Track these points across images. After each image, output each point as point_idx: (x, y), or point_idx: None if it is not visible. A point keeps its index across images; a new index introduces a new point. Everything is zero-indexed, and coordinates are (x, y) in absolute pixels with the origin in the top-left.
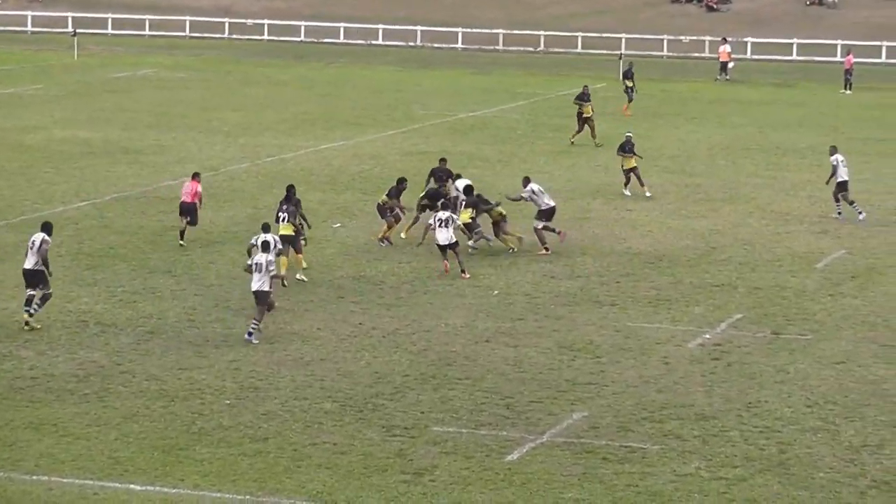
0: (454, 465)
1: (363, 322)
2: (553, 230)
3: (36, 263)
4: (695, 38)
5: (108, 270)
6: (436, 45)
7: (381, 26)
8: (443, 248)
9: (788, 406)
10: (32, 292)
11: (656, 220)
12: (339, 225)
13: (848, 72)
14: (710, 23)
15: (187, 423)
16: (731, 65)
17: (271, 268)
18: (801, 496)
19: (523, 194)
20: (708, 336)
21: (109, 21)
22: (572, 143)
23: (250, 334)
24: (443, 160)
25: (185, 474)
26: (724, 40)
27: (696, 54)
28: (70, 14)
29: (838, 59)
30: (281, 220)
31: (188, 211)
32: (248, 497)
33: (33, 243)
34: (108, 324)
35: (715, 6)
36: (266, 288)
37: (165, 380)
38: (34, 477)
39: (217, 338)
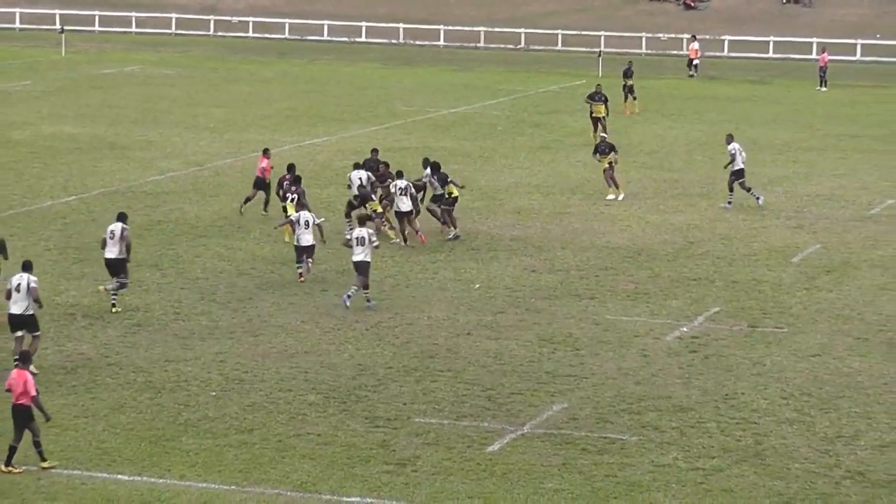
0: (436, 456)
1: (347, 315)
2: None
3: (119, 252)
4: (673, 35)
5: (95, 264)
6: (418, 43)
7: (363, 24)
8: (402, 216)
9: (764, 398)
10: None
11: (635, 214)
12: (323, 220)
13: (823, 69)
14: (688, 21)
15: (174, 414)
16: (696, 61)
17: (374, 240)
18: (777, 486)
19: (423, 178)
20: (685, 329)
21: (96, 18)
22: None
23: (368, 300)
24: (374, 150)
25: (172, 465)
26: (694, 38)
27: (675, 52)
28: (58, 11)
29: (814, 56)
30: (290, 200)
31: (261, 185)
32: (233, 487)
33: (112, 233)
34: (95, 316)
35: (693, 4)
36: (369, 259)
37: (152, 372)
38: (23, 467)
39: (203, 330)
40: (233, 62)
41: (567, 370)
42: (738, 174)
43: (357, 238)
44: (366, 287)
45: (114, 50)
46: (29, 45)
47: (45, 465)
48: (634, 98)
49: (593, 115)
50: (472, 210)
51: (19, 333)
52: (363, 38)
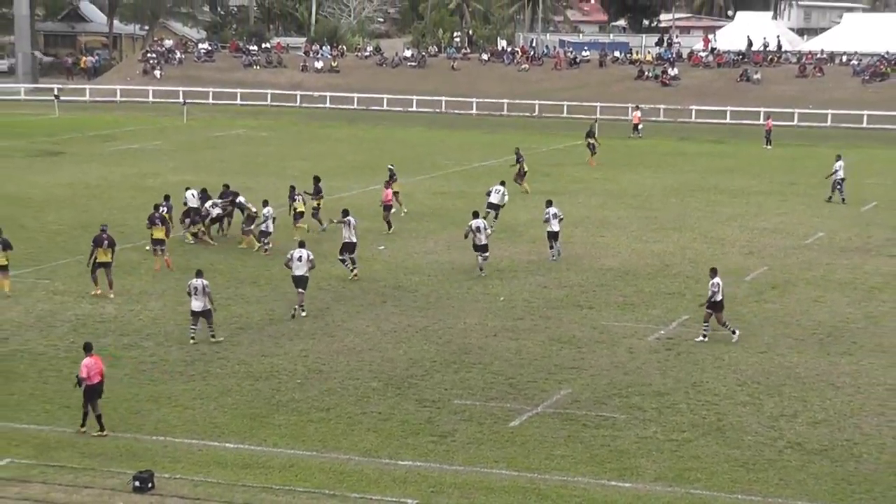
0: (470, 430)
1: (401, 321)
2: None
3: (307, 270)
4: (652, 106)
5: (209, 281)
6: (456, 112)
7: (414, 97)
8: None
9: (724, 385)
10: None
11: (623, 243)
12: (382, 247)
13: (768, 132)
14: (663, 95)
15: (268, 397)
16: (639, 126)
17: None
18: (734, 454)
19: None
20: (662, 332)
21: (210, 94)
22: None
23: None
24: (225, 185)
25: (267, 436)
26: (637, 107)
27: (654, 118)
28: (181, 88)
29: (761, 122)
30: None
31: (387, 208)
32: (314, 453)
33: (301, 258)
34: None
35: (668, 82)
36: (558, 229)
37: (251, 364)
38: (153, 437)
39: (290, 332)
40: (313, 126)
41: (571, 363)
42: (495, 207)
43: (551, 214)
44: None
45: (223, 118)
46: (159, 114)
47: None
48: (594, 153)
49: (522, 169)
50: (498, 240)
51: (300, 290)
52: (414, 108)
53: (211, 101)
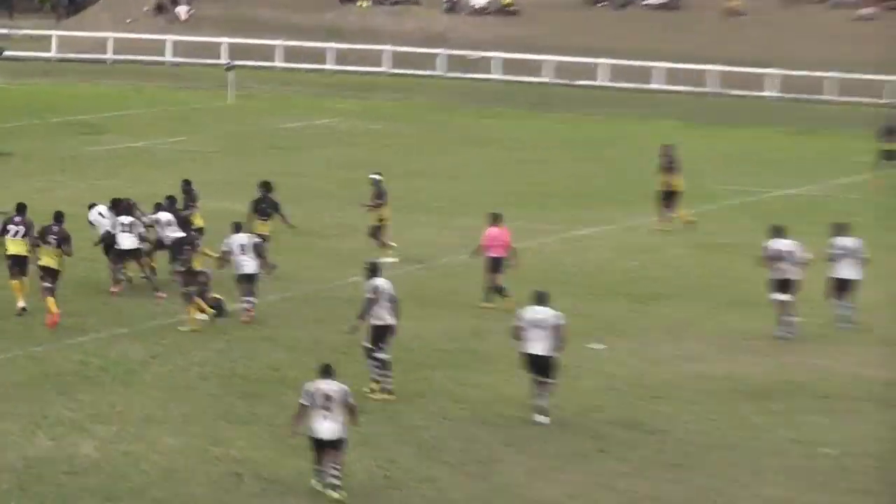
0: None
1: (636, 488)
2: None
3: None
4: None
5: (270, 401)
6: (737, 93)
7: (656, 64)
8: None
9: None
10: None
11: None
12: (601, 346)
13: None
14: None
15: None
16: None
17: None
18: None
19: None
20: None
21: (278, 50)
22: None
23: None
24: (124, 202)
25: None
26: None
27: None
28: (224, 39)
29: None
30: (12, 234)
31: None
32: None
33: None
34: (270, 479)
35: None
36: None
37: None
38: None
39: (427, 500)
40: (469, 115)
41: None
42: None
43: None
44: None
45: (301, 95)
46: (183, 85)
47: None
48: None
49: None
50: (818, 337)
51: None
52: (656, 86)
53: (278, 62)
